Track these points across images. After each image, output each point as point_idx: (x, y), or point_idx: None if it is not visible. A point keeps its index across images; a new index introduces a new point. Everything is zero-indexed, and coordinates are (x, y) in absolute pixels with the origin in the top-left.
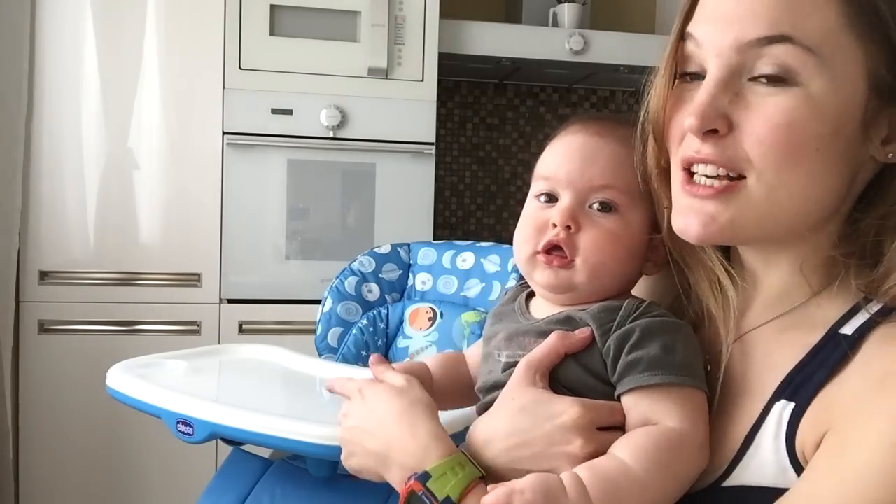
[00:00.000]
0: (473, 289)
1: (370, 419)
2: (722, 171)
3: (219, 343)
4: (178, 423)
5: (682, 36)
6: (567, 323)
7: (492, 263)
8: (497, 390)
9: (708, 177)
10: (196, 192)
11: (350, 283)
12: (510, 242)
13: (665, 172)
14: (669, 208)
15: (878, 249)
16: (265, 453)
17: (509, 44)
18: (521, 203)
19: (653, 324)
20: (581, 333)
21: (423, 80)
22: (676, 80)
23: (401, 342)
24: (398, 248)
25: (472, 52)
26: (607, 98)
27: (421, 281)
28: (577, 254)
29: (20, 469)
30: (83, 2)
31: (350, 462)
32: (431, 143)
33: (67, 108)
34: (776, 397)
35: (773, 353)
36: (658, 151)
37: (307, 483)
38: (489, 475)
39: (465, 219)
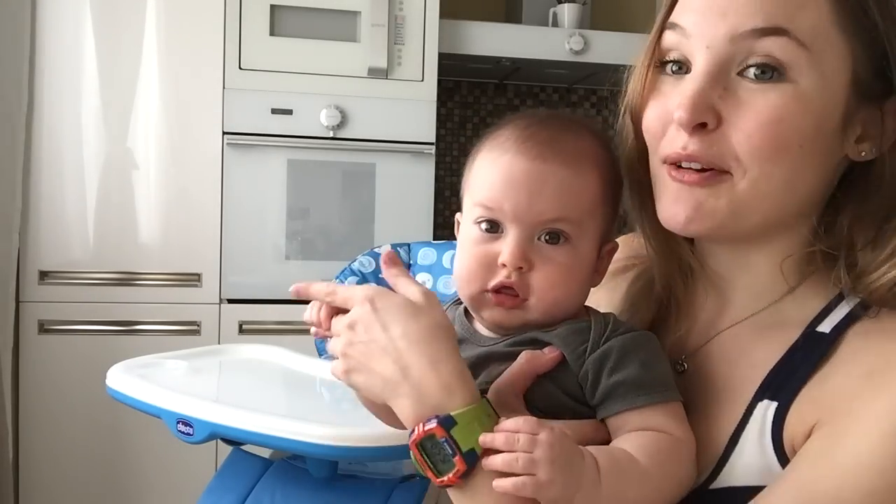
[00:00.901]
0: None
1: (382, 337)
2: (705, 167)
3: (219, 343)
4: (178, 423)
5: (666, 25)
6: (533, 344)
7: None
8: None
9: (693, 169)
10: (196, 192)
11: (350, 284)
12: None
13: (643, 159)
14: (650, 196)
15: (852, 245)
16: (265, 453)
17: (509, 44)
18: None
19: (626, 342)
20: (551, 353)
21: (423, 80)
22: (654, 70)
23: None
24: (398, 248)
25: (472, 52)
26: (607, 98)
27: (421, 281)
28: (529, 293)
29: (20, 469)
30: (83, 2)
31: (352, 377)
32: (431, 143)
33: (67, 109)
34: (758, 397)
35: (752, 352)
36: (635, 139)
37: (307, 483)
38: None
39: None
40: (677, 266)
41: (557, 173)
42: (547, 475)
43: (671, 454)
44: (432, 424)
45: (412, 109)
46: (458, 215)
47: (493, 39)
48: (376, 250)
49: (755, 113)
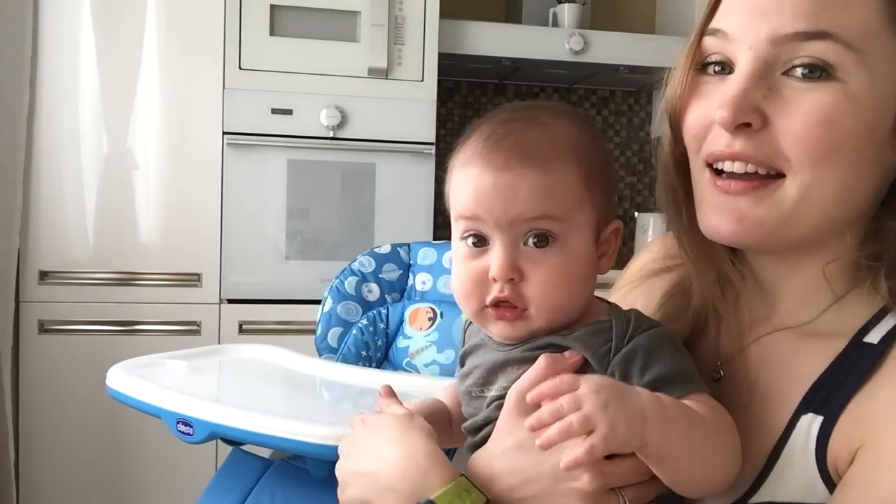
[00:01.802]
0: None
1: (367, 443)
2: (751, 168)
3: (219, 343)
4: (178, 423)
5: (706, 31)
6: (550, 348)
7: None
8: (486, 427)
9: (737, 174)
10: (196, 192)
11: (350, 283)
12: None
13: (682, 166)
14: (687, 204)
15: None
16: (265, 453)
17: (509, 44)
18: None
19: (653, 339)
20: (572, 356)
21: (423, 80)
22: (695, 72)
23: (401, 342)
24: (398, 248)
25: (472, 52)
26: (607, 98)
27: (421, 281)
28: (528, 303)
29: (20, 469)
30: (84, 2)
31: (344, 494)
32: (431, 143)
33: (68, 109)
34: (802, 409)
35: (795, 362)
36: (674, 144)
37: (307, 483)
38: None
39: None
40: (716, 276)
41: (528, 177)
42: (607, 425)
43: (721, 429)
44: None
45: (412, 109)
46: None
47: (493, 39)
48: (376, 250)
49: (803, 113)
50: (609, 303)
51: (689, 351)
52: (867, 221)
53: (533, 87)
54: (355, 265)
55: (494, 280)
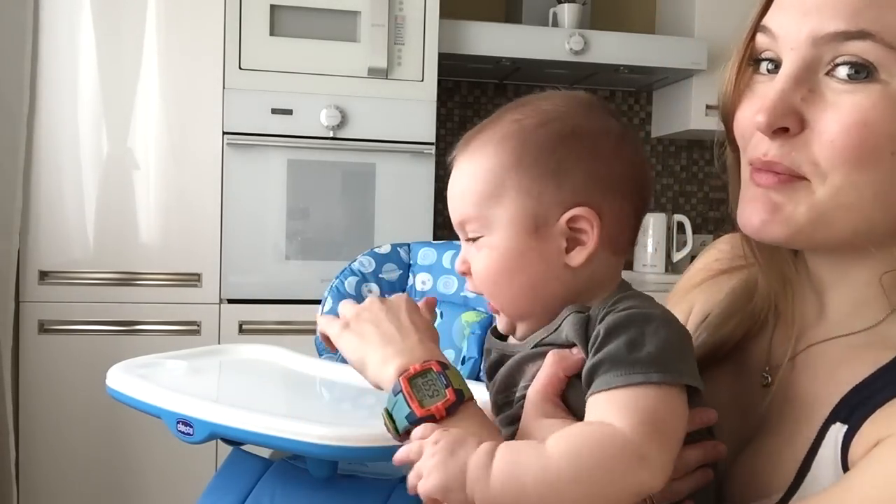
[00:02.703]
0: None
1: (386, 315)
2: (782, 172)
3: (219, 343)
4: (178, 423)
5: (758, 28)
6: (554, 345)
7: None
8: (515, 424)
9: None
10: (196, 192)
11: (350, 283)
12: None
13: (737, 164)
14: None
15: None
16: (265, 453)
17: (509, 44)
18: None
19: (618, 319)
20: (579, 352)
21: (423, 80)
22: (750, 68)
23: None
24: (398, 248)
25: (472, 52)
26: (607, 98)
27: (421, 281)
28: (490, 300)
29: (20, 469)
30: (84, 2)
31: (345, 334)
32: (431, 143)
33: (68, 109)
34: (832, 419)
35: (838, 371)
36: (729, 144)
37: (307, 483)
38: None
39: None
40: (779, 276)
41: (455, 179)
42: (433, 476)
43: (601, 449)
44: (429, 363)
45: (412, 109)
46: None
47: (493, 39)
48: (376, 250)
49: (839, 115)
50: (626, 288)
51: (740, 354)
52: None
53: (533, 87)
54: (355, 265)
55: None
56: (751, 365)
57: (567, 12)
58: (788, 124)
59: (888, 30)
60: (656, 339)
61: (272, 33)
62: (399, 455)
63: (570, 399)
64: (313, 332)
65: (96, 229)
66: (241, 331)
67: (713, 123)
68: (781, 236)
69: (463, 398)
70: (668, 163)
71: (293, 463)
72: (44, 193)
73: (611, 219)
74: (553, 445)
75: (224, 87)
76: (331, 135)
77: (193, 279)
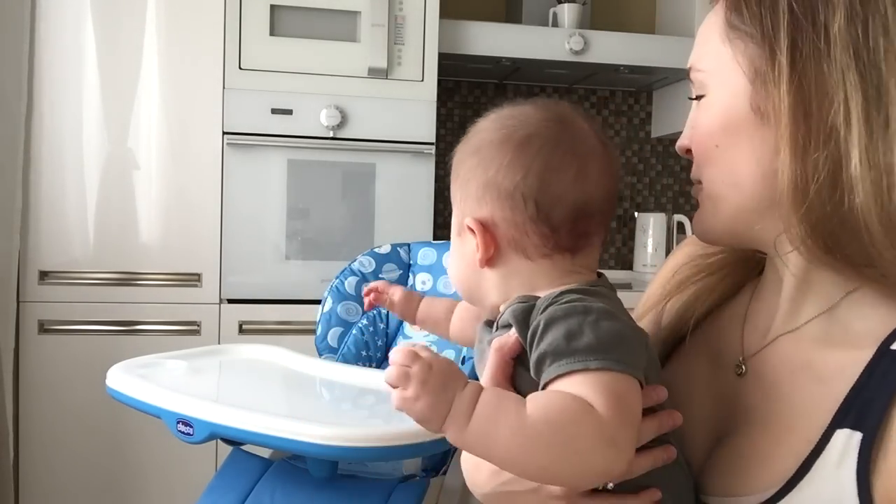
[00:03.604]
0: None
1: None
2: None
3: (219, 343)
4: (178, 423)
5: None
6: (507, 328)
7: None
8: None
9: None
10: (196, 192)
11: (350, 283)
12: None
13: None
14: None
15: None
16: (265, 453)
17: (509, 44)
18: None
19: (557, 311)
20: (514, 334)
21: (423, 80)
22: None
23: (401, 342)
24: (398, 248)
25: (472, 52)
26: (607, 98)
27: (421, 281)
28: None
29: (20, 469)
30: (83, 2)
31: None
32: (431, 143)
33: (67, 109)
34: (837, 424)
35: (818, 367)
36: None
37: (307, 483)
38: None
39: None
40: (746, 267)
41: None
42: (413, 391)
43: (571, 414)
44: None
45: (412, 109)
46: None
47: (493, 39)
48: (376, 250)
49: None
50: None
51: (714, 343)
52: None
53: (533, 88)
54: (355, 265)
55: None
56: (725, 354)
57: (567, 12)
58: (685, 145)
59: (701, 59)
60: (597, 329)
61: (272, 33)
62: (392, 375)
63: (517, 383)
64: (313, 332)
65: (96, 229)
66: (241, 331)
67: None
68: (708, 240)
69: None
70: (667, 163)
71: (293, 463)
72: (44, 193)
73: (510, 225)
74: (534, 407)
75: (224, 87)
76: (331, 135)
77: (193, 279)
